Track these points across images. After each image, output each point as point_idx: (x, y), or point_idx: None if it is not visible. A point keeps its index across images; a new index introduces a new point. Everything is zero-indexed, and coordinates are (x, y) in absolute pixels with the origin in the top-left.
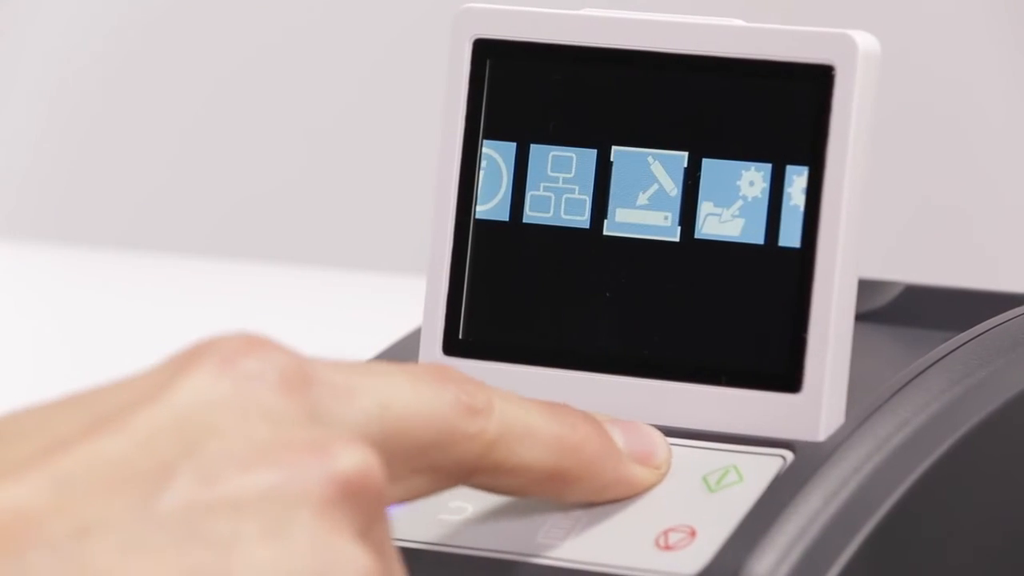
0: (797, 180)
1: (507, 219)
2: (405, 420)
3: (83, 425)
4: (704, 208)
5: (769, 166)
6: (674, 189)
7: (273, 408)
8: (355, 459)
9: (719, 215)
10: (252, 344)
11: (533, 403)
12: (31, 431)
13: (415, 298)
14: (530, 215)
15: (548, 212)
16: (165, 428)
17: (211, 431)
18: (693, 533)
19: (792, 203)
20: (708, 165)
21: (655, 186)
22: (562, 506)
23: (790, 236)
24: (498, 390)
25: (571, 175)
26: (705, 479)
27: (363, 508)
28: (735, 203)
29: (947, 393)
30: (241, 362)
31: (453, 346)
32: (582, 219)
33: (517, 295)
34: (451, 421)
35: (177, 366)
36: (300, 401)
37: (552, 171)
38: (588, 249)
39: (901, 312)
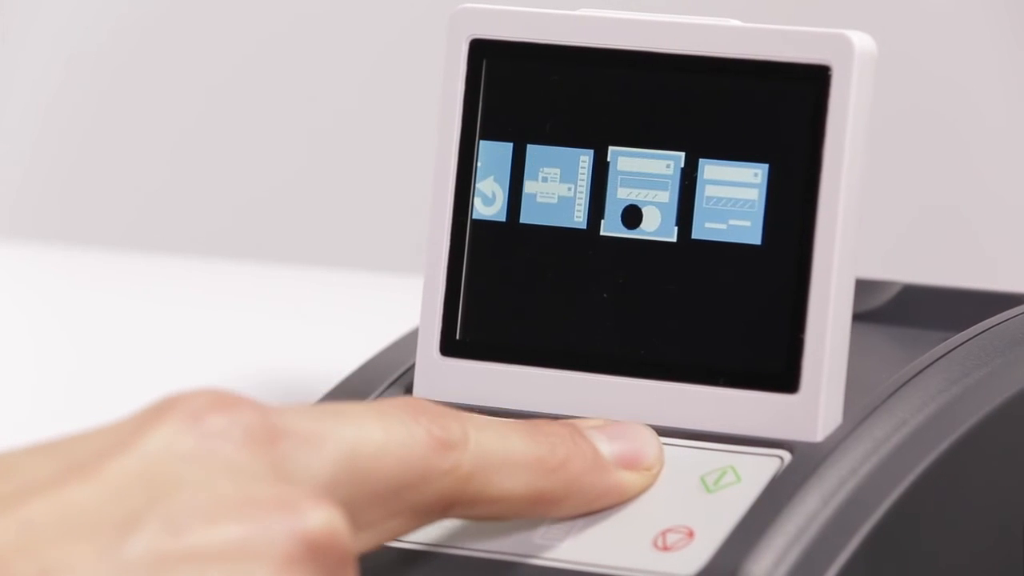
0: (794, 180)
1: (504, 220)
2: (376, 463)
3: (53, 472)
4: (701, 209)
5: (766, 166)
6: (672, 190)
7: (239, 464)
8: (320, 518)
9: (716, 216)
10: (218, 401)
11: (511, 427)
12: (1, 474)
13: (413, 298)
14: (527, 216)
15: (545, 213)
16: (133, 478)
17: (178, 483)
18: (691, 534)
19: (789, 203)
20: (705, 166)
21: (652, 187)
22: None
23: (787, 236)
24: (473, 418)
25: (568, 176)
26: (703, 480)
27: (326, 568)
28: (734, 204)
29: (945, 393)
30: (207, 419)
31: (450, 347)
32: (579, 220)
33: (514, 296)
34: (424, 458)
35: (144, 420)
36: (266, 457)
37: (549, 172)
38: (585, 250)
39: (899, 312)
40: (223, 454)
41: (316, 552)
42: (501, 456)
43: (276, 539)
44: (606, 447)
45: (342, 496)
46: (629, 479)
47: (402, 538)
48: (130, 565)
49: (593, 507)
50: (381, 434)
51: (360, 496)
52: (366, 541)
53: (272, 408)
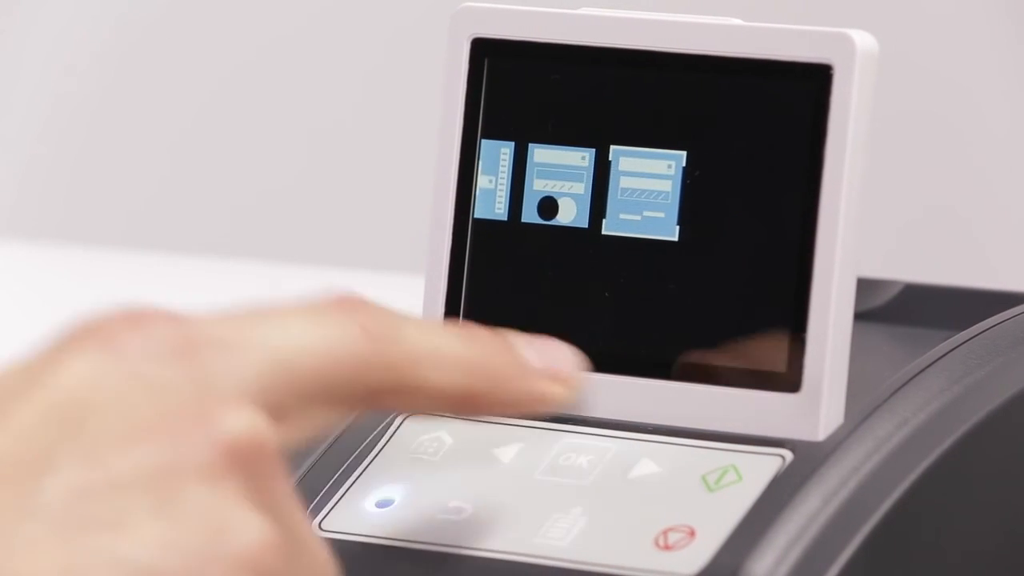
0: (796, 180)
1: (506, 219)
2: (303, 363)
3: None
4: (705, 207)
5: (768, 166)
6: (673, 188)
7: (155, 381)
8: (240, 423)
9: (720, 215)
10: (132, 319)
11: (440, 326)
12: None
13: (414, 297)
14: (528, 215)
15: (546, 212)
16: (43, 418)
17: (90, 412)
18: (692, 533)
19: (791, 203)
20: (706, 164)
21: (653, 185)
22: (562, 506)
23: (789, 235)
24: (405, 315)
25: (569, 175)
26: (704, 479)
27: (253, 471)
28: (736, 203)
29: (946, 392)
30: (121, 339)
31: None
32: (581, 219)
33: (516, 295)
34: (354, 352)
35: (55, 352)
36: (185, 369)
37: (550, 170)
38: (587, 249)
39: (900, 311)
40: (139, 373)
41: (239, 457)
42: (430, 350)
43: (196, 452)
44: (532, 356)
45: (272, 399)
46: (552, 389)
47: (403, 538)
48: (50, 506)
49: (516, 411)
50: (308, 334)
51: (291, 396)
52: (296, 434)
53: (191, 317)
